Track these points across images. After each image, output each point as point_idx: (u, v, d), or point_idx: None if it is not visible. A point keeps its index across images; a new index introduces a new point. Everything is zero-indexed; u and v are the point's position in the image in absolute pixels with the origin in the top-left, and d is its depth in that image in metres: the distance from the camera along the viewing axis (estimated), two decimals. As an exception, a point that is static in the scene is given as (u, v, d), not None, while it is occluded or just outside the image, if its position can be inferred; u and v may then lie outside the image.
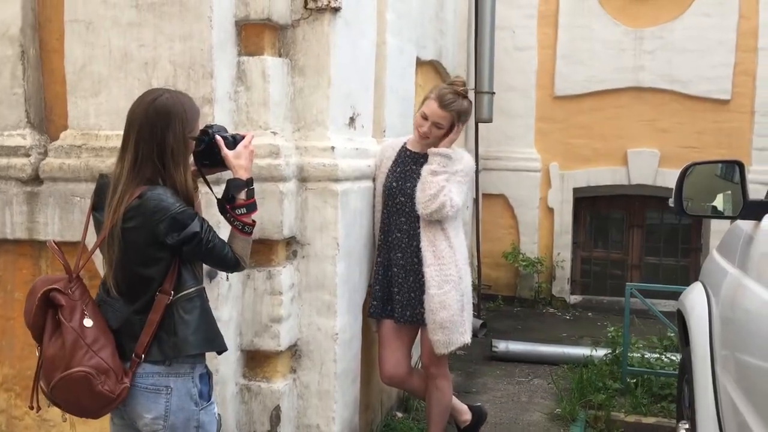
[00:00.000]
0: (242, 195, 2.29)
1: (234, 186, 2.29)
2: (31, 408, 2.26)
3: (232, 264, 2.28)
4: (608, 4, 7.43)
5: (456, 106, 3.33)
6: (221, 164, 2.34)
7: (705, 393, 2.90)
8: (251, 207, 2.31)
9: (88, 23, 2.90)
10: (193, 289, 2.20)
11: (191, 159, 2.30)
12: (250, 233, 2.31)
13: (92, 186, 2.82)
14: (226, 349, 2.35)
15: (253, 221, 2.32)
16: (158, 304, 2.14)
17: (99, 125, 2.93)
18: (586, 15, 7.45)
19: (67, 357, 2.06)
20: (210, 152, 2.32)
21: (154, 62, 2.84)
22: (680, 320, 3.65)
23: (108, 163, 2.83)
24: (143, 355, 2.14)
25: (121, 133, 2.84)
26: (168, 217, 2.10)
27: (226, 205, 2.29)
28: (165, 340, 2.15)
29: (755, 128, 7.18)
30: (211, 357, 2.50)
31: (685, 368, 3.47)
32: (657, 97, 7.40)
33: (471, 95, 6.65)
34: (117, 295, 2.19)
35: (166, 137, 2.14)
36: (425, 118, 3.35)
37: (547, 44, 7.59)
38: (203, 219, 2.21)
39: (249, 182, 2.31)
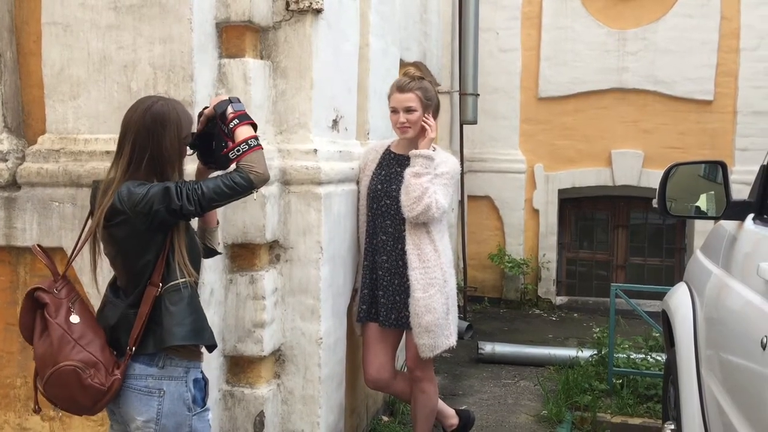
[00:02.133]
0: (230, 109, 2.29)
1: (219, 107, 2.30)
2: (35, 411, 2.28)
3: (246, 183, 2.21)
4: (591, 6, 7.46)
5: (414, 84, 3.33)
6: (223, 161, 2.32)
7: (690, 393, 2.90)
8: (243, 117, 2.29)
9: (65, 26, 2.86)
10: (180, 281, 2.19)
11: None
12: (256, 145, 2.25)
13: (71, 191, 2.83)
14: (214, 344, 2.32)
15: (254, 135, 2.27)
16: (147, 296, 2.16)
17: (77, 129, 2.88)
18: (570, 16, 7.48)
19: (55, 353, 2.09)
20: (208, 151, 2.34)
21: (134, 65, 2.80)
22: (665, 321, 3.65)
23: (87, 167, 2.80)
24: (135, 348, 2.15)
25: (101, 136, 2.85)
26: (147, 198, 2.11)
27: (221, 124, 2.28)
28: (155, 331, 2.16)
29: (738, 128, 7.23)
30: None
31: (671, 369, 3.46)
32: (640, 98, 7.43)
33: (455, 97, 6.75)
34: (123, 291, 2.23)
35: (163, 143, 2.18)
36: (395, 111, 3.36)
37: (530, 46, 7.61)
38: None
39: (230, 99, 2.32)
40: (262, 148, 2.27)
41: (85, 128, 2.88)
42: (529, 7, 7.56)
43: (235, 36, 2.98)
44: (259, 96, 3.00)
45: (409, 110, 3.32)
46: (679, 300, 3.35)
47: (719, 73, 7.24)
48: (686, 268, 3.73)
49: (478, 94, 6.71)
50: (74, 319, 2.14)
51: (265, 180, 2.27)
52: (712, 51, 7.23)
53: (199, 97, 2.78)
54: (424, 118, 3.32)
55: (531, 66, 7.62)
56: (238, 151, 2.23)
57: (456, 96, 6.77)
